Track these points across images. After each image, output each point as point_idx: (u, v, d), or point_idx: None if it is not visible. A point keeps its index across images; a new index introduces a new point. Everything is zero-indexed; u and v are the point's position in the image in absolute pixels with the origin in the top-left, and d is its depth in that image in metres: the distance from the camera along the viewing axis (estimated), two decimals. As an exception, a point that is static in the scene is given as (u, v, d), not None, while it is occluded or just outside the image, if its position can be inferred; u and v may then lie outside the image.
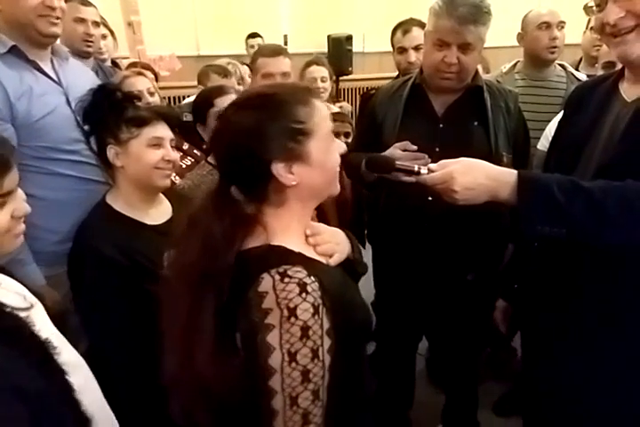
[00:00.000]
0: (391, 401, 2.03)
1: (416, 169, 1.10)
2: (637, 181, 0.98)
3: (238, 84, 2.73)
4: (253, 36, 4.65)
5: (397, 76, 2.46)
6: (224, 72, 2.61)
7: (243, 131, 0.87)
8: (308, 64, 2.61)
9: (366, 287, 1.44)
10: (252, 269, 0.84)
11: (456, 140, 1.59)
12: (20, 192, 0.90)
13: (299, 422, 0.81)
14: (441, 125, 1.64)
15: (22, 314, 0.74)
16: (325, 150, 0.91)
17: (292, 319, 0.80)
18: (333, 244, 0.98)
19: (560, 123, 1.37)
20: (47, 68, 1.60)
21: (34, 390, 0.64)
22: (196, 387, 0.86)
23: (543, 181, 1.02)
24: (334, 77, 3.21)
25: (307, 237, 0.96)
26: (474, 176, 1.04)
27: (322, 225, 1.02)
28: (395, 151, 1.53)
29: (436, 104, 1.66)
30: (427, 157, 1.52)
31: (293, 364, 0.79)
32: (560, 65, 2.37)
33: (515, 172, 1.05)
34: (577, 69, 2.48)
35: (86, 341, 1.23)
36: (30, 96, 1.49)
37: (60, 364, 0.72)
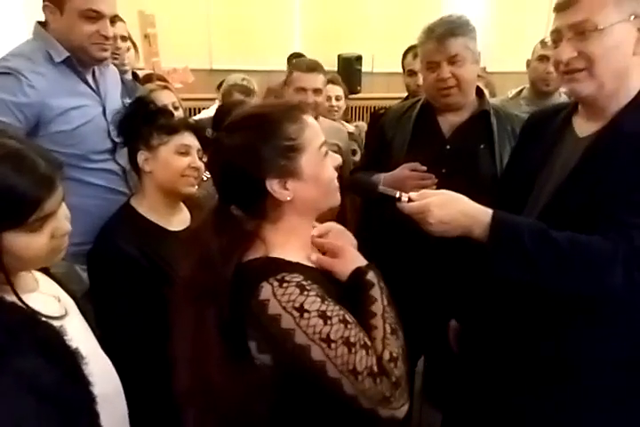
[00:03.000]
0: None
1: (397, 196, 1.11)
2: (601, 240, 1.00)
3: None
4: (297, 56, 4.41)
5: (407, 98, 2.52)
6: (247, 91, 2.67)
7: (236, 152, 0.90)
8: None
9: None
10: (252, 279, 0.86)
11: (462, 163, 1.62)
12: (62, 210, 0.87)
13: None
14: (448, 147, 1.68)
15: (56, 323, 0.74)
16: (318, 164, 0.93)
17: (306, 315, 0.82)
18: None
19: (513, 152, 1.37)
20: (89, 77, 1.65)
21: (62, 396, 0.65)
22: (207, 398, 0.87)
23: (516, 226, 1.03)
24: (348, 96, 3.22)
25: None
26: (449, 211, 1.05)
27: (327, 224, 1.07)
28: (403, 171, 1.58)
29: (444, 126, 1.70)
30: (433, 177, 1.56)
31: (333, 345, 0.82)
32: (565, 93, 2.41)
33: (490, 212, 1.05)
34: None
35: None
36: (73, 106, 1.54)
37: (87, 374, 0.72)
